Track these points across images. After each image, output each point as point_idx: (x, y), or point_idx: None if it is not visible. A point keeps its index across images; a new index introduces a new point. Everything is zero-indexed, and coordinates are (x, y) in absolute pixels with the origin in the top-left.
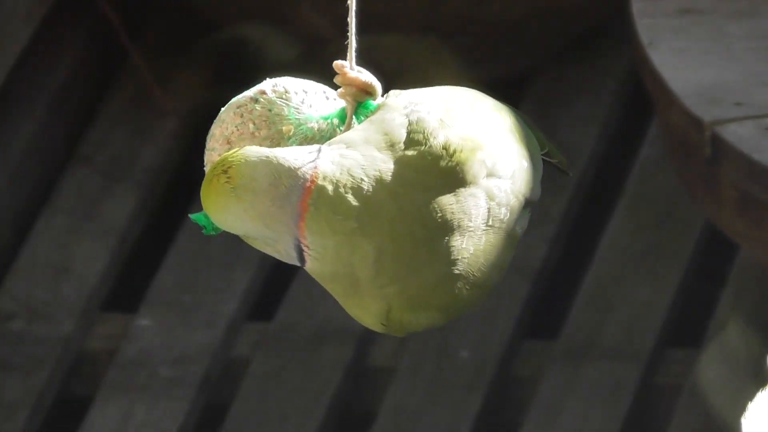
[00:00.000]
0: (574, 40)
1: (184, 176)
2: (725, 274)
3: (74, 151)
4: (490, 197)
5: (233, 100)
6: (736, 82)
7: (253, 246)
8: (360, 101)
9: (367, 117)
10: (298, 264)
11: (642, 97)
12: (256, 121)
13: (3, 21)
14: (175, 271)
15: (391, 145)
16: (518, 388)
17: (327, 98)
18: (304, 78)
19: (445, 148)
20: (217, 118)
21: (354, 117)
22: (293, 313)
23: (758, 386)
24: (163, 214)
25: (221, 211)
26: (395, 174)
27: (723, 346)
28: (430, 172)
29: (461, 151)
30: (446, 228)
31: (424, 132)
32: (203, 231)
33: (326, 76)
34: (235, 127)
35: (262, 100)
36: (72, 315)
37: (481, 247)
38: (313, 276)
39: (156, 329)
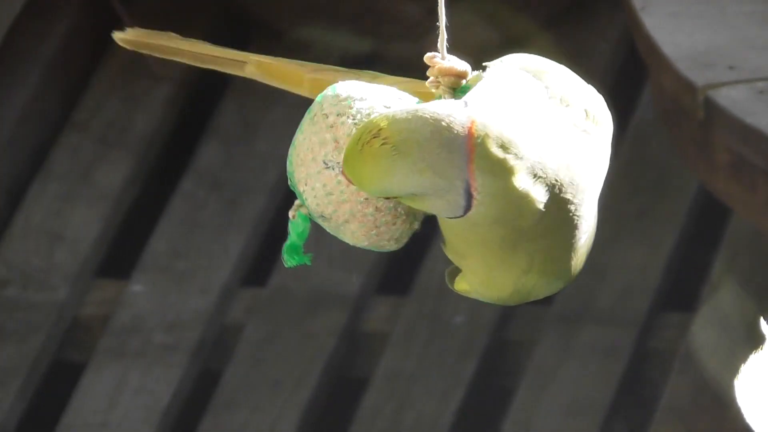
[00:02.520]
0: (567, 5)
1: (178, 142)
2: (719, 237)
3: (68, 117)
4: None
5: (312, 121)
6: (729, 45)
7: (414, 207)
8: (456, 88)
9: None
10: (461, 213)
11: (635, 61)
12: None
13: None
14: (169, 237)
15: (532, 101)
16: (512, 353)
17: (399, 98)
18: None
19: (587, 112)
20: (305, 143)
21: None
22: (287, 278)
23: (752, 349)
24: (157, 180)
25: (386, 173)
26: (543, 126)
27: (717, 310)
28: (577, 126)
29: (596, 112)
30: (592, 180)
31: (560, 96)
32: (293, 263)
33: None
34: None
35: (348, 112)
36: (66, 281)
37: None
38: (468, 226)
39: (150, 295)
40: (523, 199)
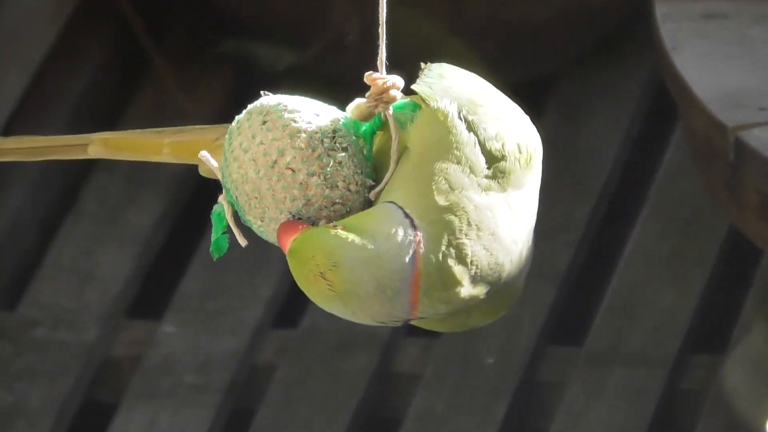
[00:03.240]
0: (597, 44)
1: (209, 182)
2: (749, 279)
3: None
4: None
5: (273, 168)
6: (759, 86)
7: None
8: (392, 102)
9: (402, 115)
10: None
11: (666, 102)
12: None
13: (26, 26)
14: (200, 277)
15: (472, 171)
16: (543, 394)
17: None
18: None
19: (520, 151)
20: (265, 188)
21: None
22: (318, 319)
23: None
24: (188, 220)
25: (327, 307)
26: (486, 207)
27: (748, 352)
28: (513, 183)
29: (530, 149)
30: (529, 232)
31: (495, 140)
32: (213, 255)
33: (345, 80)
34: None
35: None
36: (97, 322)
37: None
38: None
39: (181, 336)
40: (460, 307)
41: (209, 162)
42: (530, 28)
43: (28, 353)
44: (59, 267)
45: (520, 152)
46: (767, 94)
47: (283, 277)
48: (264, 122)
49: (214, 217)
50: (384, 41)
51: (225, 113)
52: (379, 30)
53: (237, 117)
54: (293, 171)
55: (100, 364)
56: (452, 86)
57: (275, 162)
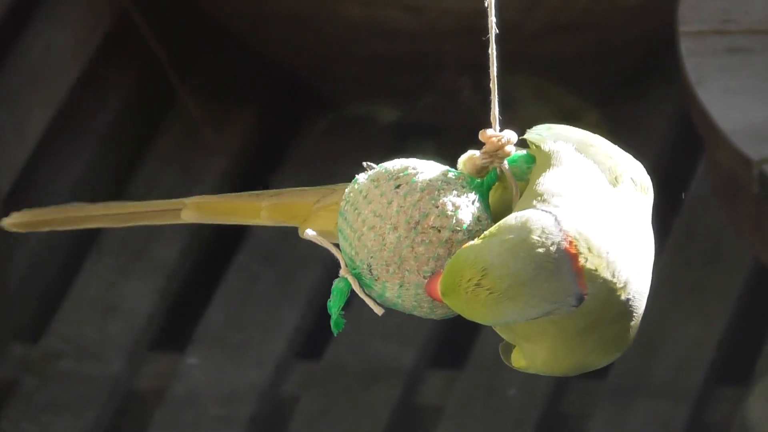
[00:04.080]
0: (622, 79)
1: None
2: None
3: (123, 190)
4: None
5: (414, 228)
6: None
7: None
8: (507, 157)
9: (517, 169)
10: (570, 311)
11: (690, 135)
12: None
13: (51, 61)
14: (224, 309)
15: (597, 183)
16: (567, 426)
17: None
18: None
19: (635, 183)
20: (405, 248)
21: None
22: (342, 351)
23: None
24: (211, 253)
25: (500, 316)
26: (617, 210)
27: None
28: (635, 205)
29: (645, 184)
30: (648, 262)
31: (609, 172)
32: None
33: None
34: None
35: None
36: (121, 354)
37: None
38: (554, 318)
39: (205, 368)
40: (614, 294)
41: (317, 241)
42: (557, 64)
43: (52, 385)
44: (83, 299)
45: (635, 184)
46: None
47: (307, 310)
48: (398, 186)
49: (336, 293)
50: (497, 97)
51: (251, 149)
52: (491, 85)
53: (356, 189)
54: (438, 230)
55: (124, 396)
56: (562, 132)
57: (417, 223)
